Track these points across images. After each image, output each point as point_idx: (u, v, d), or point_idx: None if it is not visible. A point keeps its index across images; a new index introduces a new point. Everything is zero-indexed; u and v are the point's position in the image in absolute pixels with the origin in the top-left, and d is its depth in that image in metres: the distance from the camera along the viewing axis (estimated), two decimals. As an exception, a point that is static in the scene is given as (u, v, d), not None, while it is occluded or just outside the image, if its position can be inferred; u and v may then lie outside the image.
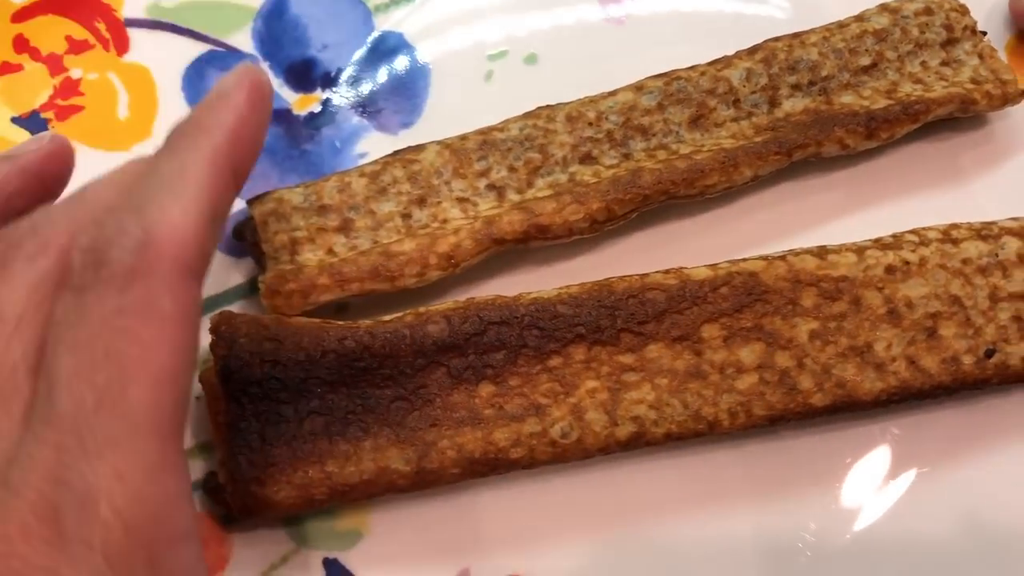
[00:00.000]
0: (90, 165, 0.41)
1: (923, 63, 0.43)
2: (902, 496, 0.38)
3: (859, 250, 0.39)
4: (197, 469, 0.37)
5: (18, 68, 0.42)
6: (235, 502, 0.35)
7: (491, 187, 0.40)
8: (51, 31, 0.43)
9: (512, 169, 0.41)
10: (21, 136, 0.41)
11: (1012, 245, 0.40)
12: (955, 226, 0.40)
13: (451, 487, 0.37)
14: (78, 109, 0.42)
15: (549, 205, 0.39)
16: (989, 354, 0.38)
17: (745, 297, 0.38)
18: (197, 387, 0.38)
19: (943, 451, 0.39)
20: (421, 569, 0.37)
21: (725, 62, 0.43)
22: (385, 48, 0.44)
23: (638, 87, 0.42)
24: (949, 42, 0.44)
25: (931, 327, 0.38)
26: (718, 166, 0.40)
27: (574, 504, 0.38)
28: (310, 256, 0.39)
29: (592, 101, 0.42)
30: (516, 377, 0.37)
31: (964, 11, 0.44)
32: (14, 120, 0.42)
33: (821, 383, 0.37)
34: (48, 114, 0.42)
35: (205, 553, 0.36)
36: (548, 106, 0.42)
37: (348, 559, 0.37)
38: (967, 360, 0.38)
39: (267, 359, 0.36)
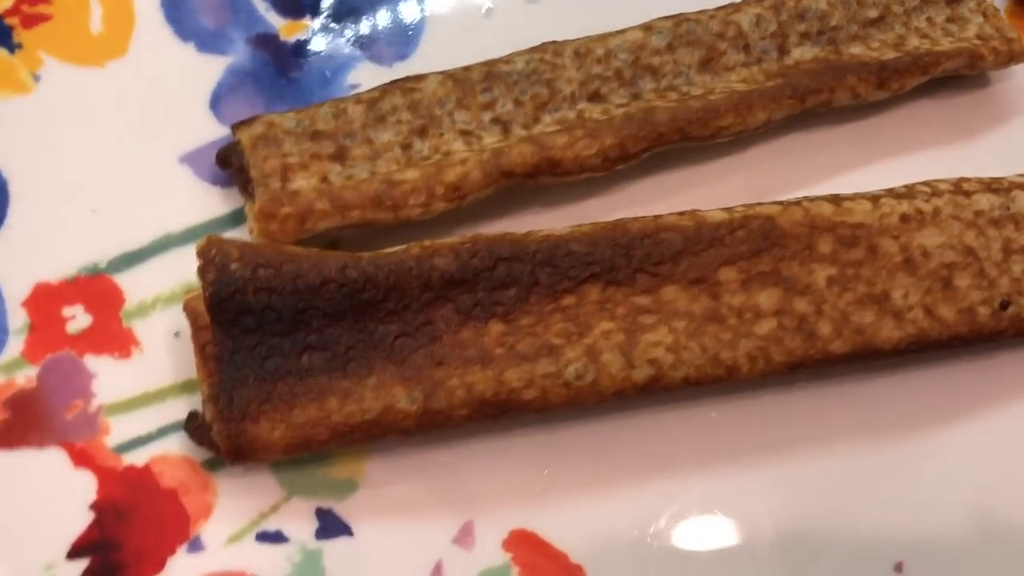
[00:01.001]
0: (58, 79, 0.38)
1: (928, 19, 0.43)
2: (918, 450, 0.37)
3: (873, 198, 0.38)
4: (178, 410, 0.34)
5: (-22, -30, 0.39)
6: (224, 442, 0.32)
7: (496, 121, 0.38)
8: (18, -67, 0.39)
9: (518, 103, 0.38)
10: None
11: (1022, 199, 0.39)
12: (965, 179, 0.39)
13: (453, 435, 0.35)
14: (46, 18, 0.38)
15: (561, 139, 0.37)
16: (1004, 306, 0.37)
17: (762, 241, 0.36)
18: (179, 321, 0.34)
19: (961, 408, 0.38)
20: (421, 521, 0.34)
21: (734, 7, 0.42)
22: (380, -24, 0.42)
23: (647, 27, 0.41)
24: (953, 0, 0.43)
25: (947, 277, 0.37)
26: (732, 107, 0.39)
27: (584, 456, 0.36)
28: (303, 183, 0.36)
29: (600, 39, 0.40)
30: (528, 316, 0.34)
31: (967, -32, 0.44)
32: (-27, 26, 0.38)
33: (840, 330, 0.36)
34: (12, 20, 0.38)
35: (187, 500, 0.33)
36: (554, 41, 0.40)
37: (343, 509, 0.34)
38: (983, 311, 0.37)
39: (262, 287, 0.33)
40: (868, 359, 0.37)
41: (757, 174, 0.41)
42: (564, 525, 0.35)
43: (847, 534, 0.35)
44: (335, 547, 0.33)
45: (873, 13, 0.42)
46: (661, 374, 0.35)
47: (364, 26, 0.41)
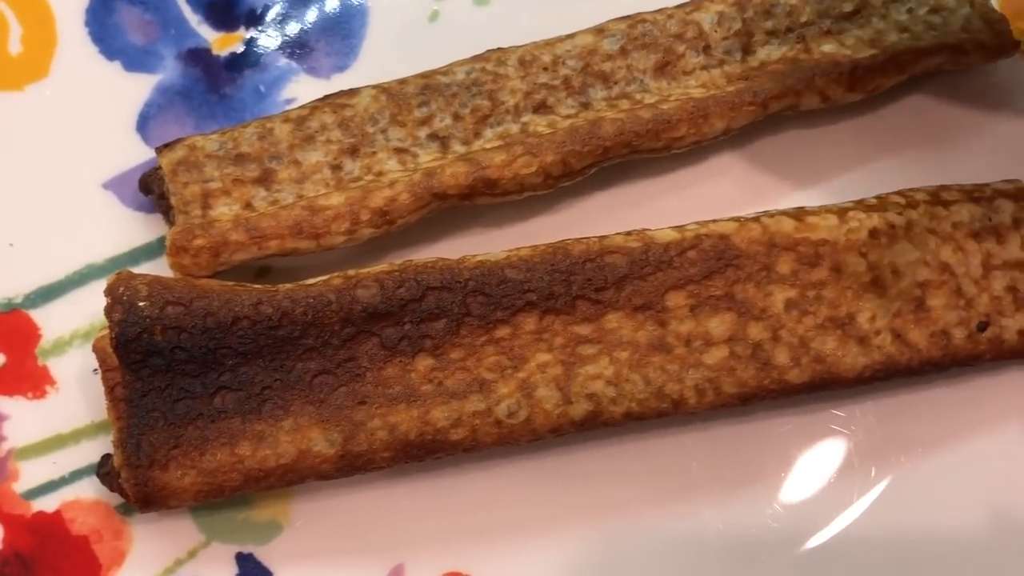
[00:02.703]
0: (-27, 103, 0.37)
1: (910, 10, 0.40)
2: (886, 485, 0.35)
3: (840, 212, 0.36)
4: (93, 451, 0.33)
5: None
6: (132, 489, 0.31)
7: (433, 137, 0.36)
8: (-70, -48, 0.38)
9: (457, 117, 0.36)
10: None
11: (1007, 208, 0.36)
12: (945, 187, 0.37)
13: (383, 473, 0.33)
14: (-39, 42, 0.37)
15: (498, 156, 0.35)
16: (982, 327, 0.35)
17: (715, 262, 0.34)
18: (93, 359, 0.33)
19: (930, 434, 0.35)
20: (349, 565, 0.33)
21: (695, 4, 0.39)
22: (319, -17, 0.40)
23: (599, 30, 0.38)
24: None
25: (919, 297, 0.35)
26: (687, 116, 0.37)
27: (521, 494, 0.34)
28: (224, 211, 0.34)
29: (548, 44, 0.38)
30: (458, 349, 0.33)
31: (953, -46, 0.41)
32: None
33: (798, 358, 0.34)
34: (-77, 44, 0.37)
35: (99, 548, 0.32)
36: (499, 49, 0.38)
37: (265, 554, 0.33)
38: (958, 334, 0.35)
39: (171, 325, 0.31)
40: (830, 388, 0.35)
41: (717, 186, 0.39)
42: (499, 567, 0.33)
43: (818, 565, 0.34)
44: (254, 595, 0.32)
45: (848, 6, 0.39)
46: (601, 409, 0.33)
47: (301, 37, 0.39)
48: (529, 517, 0.34)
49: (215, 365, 0.32)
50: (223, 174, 0.35)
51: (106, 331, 0.32)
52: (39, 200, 0.36)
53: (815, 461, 0.35)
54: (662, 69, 0.38)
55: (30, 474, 0.33)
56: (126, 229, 0.36)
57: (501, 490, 0.34)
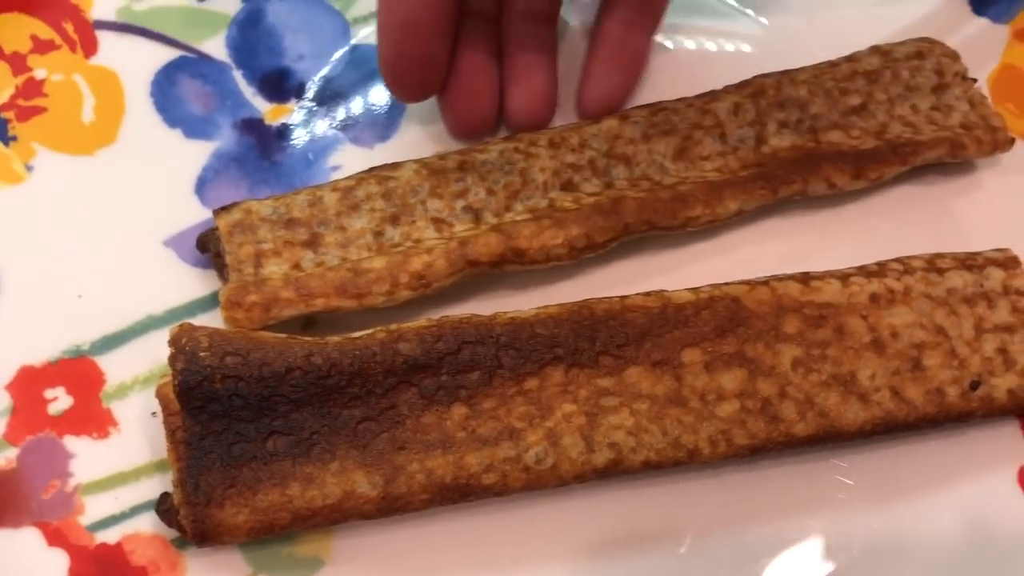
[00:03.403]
0: (50, 168, 0.40)
1: (913, 106, 0.42)
2: (882, 530, 0.37)
3: (843, 277, 0.38)
4: (152, 488, 0.35)
5: (-22, 66, 0.41)
6: (190, 526, 0.33)
7: (468, 209, 0.39)
8: (16, 29, 0.41)
9: (491, 192, 0.39)
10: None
11: (996, 276, 0.39)
12: (940, 256, 0.40)
13: (419, 514, 0.36)
14: (41, 110, 0.40)
15: (527, 228, 0.38)
16: (974, 386, 0.37)
17: (727, 322, 0.37)
18: (153, 402, 0.36)
19: (928, 482, 0.38)
20: (386, 599, 0.35)
21: (712, 95, 0.42)
22: (361, 60, 0.43)
23: (623, 116, 0.41)
24: (939, 87, 0.43)
25: (916, 357, 0.37)
26: (702, 197, 0.39)
27: (548, 534, 0.36)
28: (275, 269, 0.37)
29: (576, 128, 0.41)
30: (490, 399, 0.35)
31: (955, 57, 0.44)
32: (-28, 120, 0.40)
33: (804, 412, 0.36)
34: (8, 114, 0.40)
35: (156, 578, 0.34)
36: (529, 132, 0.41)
37: (308, 587, 0.35)
38: (952, 392, 0.37)
39: (229, 374, 0.34)
40: (832, 440, 0.37)
41: (729, 260, 0.41)
42: (526, 604, 0.35)
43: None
44: (299, 624, 0.34)
45: (855, 100, 0.42)
46: (621, 458, 0.35)
47: (346, 110, 0.42)
48: (555, 557, 0.36)
49: (269, 411, 0.34)
50: (275, 236, 0.38)
51: (168, 378, 0.35)
52: (106, 255, 0.39)
53: (817, 506, 0.37)
54: (681, 153, 0.41)
55: (94, 508, 0.35)
56: (184, 283, 0.39)
57: (528, 531, 0.36)
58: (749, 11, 0.46)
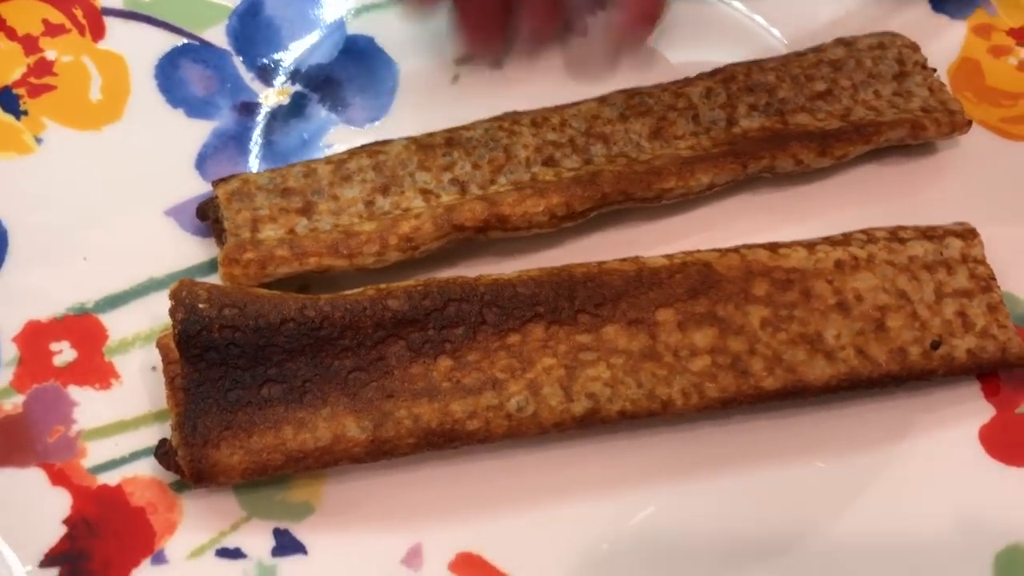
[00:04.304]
0: (59, 141, 0.42)
1: (876, 91, 0.45)
2: (849, 482, 0.38)
3: (809, 246, 0.41)
4: (151, 436, 0.37)
5: (-7, 46, 0.44)
6: (187, 466, 0.35)
7: (455, 181, 0.41)
8: (28, 13, 0.44)
9: (476, 166, 0.42)
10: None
11: (955, 245, 0.41)
12: (902, 227, 0.42)
13: (405, 463, 0.37)
14: (51, 88, 0.43)
15: (510, 197, 0.40)
16: (935, 346, 0.39)
17: (699, 284, 0.39)
18: (153, 357, 0.38)
19: (894, 439, 0.39)
20: (372, 543, 0.36)
21: (686, 81, 0.45)
22: (356, 50, 0.46)
23: (602, 99, 0.44)
24: (901, 74, 0.46)
25: (879, 319, 0.39)
26: (676, 170, 0.42)
27: (528, 482, 0.38)
28: (270, 234, 0.39)
29: (557, 109, 0.43)
30: (474, 352, 0.37)
31: (915, 48, 0.46)
32: (-13, 94, 0.43)
33: (772, 368, 0.38)
34: (20, 90, 0.43)
35: (154, 518, 0.36)
36: (514, 112, 0.43)
37: (299, 530, 0.36)
38: (914, 351, 0.39)
39: (227, 325, 0.36)
40: (800, 395, 0.38)
41: (701, 232, 0.43)
42: (508, 547, 0.37)
43: (786, 555, 0.37)
44: (290, 564, 0.36)
45: (821, 86, 0.45)
46: (598, 407, 0.37)
47: (338, 94, 0.45)
48: (534, 503, 0.37)
49: (264, 360, 0.36)
50: (271, 204, 0.40)
51: (168, 331, 0.37)
52: (111, 222, 0.41)
53: (788, 460, 0.39)
54: (656, 133, 0.43)
55: (96, 452, 0.37)
56: (183, 250, 0.41)
57: (511, 480, 0.38)
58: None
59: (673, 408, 0.38)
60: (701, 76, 0.45)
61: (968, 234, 0.42)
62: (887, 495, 0.38)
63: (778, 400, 0.38)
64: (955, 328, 0.40)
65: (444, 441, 0.36)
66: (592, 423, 0.37)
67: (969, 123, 0.45)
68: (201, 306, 0.36)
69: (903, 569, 0.37)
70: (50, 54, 0.43)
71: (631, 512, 0.37)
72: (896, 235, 0.41)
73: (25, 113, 0.42)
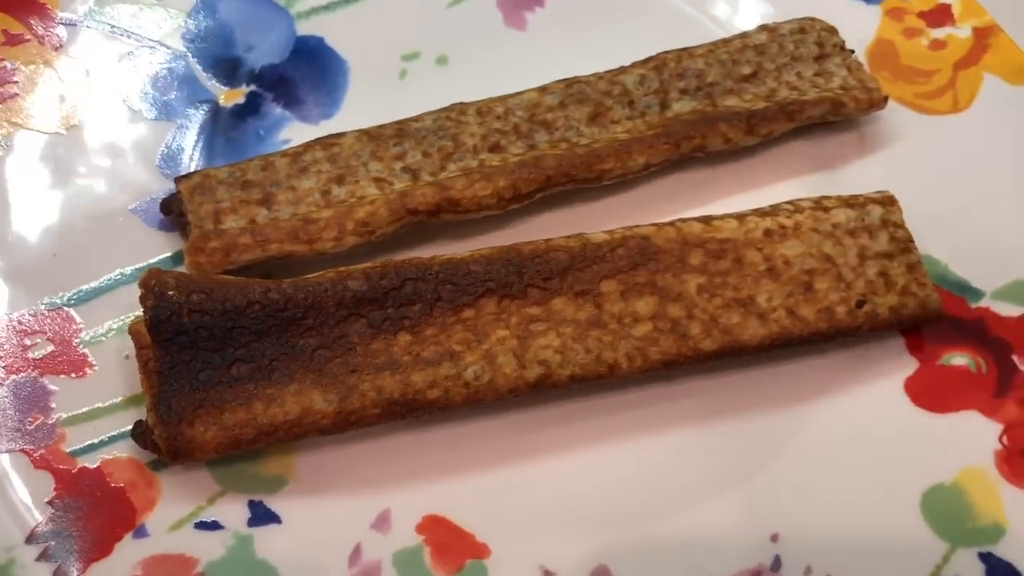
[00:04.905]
0: (25, 144, 0.44)
1: (798, 73, 0.48)
2: (785, 434, 0.41)
3: (740, 217, 0.43)
4: (127, 420, 0.39)
5: (-48, 57, 0.45)
6: (164, 443, 0.37)
7: (406, 169, 0.43)
8: (-12, 24, 0.46)
9: (426, 155, 0.44)
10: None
11: (876, 212, 0.44)
12: (826, 197, 0.44)
13: (371, 434, 0.40)
14: (13, 96, 0.45)
15: (460, 181, 0.43)
16: (860, 304, 0.42)
17: (639, 256, 0.42)
18: (125, 346, 0.40)
19: (826, 391, 0.42)
20: (343, 510, 0.39)
21: (620, 69, 0.47)
22: (306, 49, 0.48)
23: (542, 89, 0.46)
24: (821, 56, 0.49)
25: (807, 281, 0.42)
26: (613, 152, 0.44)
27: (488, 447, 0.40)
28: (232, 225, 0.41)
29: (500, 99, 0.46)
30: (431, 327, 0.39)
31: (833, 31, 0.49)
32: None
33: (709, 330, 0.41)
34: (-17, 97, 0.44)
35: (133, 496, 0.38)
36: (460, 103, 0.45)
37: (273, 501, 0.38)
38: (841, 310, 0.42)
39: (195, 309, 0.38)
40: (736, 355, 0.41)
41: (640, 210, 0.46)
42: (471, 508, 0.39)
43: (726, 508, 0.40)
44: (265, 533, 0.38)
45: (747, 70, 0.48)
46: (550, 373, 0.40)
47: (293, 91, 0.47)
48: (495, 466, 0.40)
49: (232, 342, 0.38)
50: (232, 196, 0.42)
51: (140, 318, 0.39)
52: (77, 220, 0.43)
53: (728, 415, 0.42)
54: (594, 119, 0.46)
55: (75, 437, 0.39)
56: (149, 245, 0.43)
57: (471, 446, 0.40)
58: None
59: (619, 371, 0.40)
60: (635, 64, 0.47)
61: (888, 201, 0.44)
62: (821, 444, 0.41)
63: (716, 360, 0.41)
64: (878, 287, 0.43)
65: (407, 410, 0.39)
66: (545, 388, 0.40)
67: (886, 99, 0.48)
68: (170, 293, 0.38)
69: (840, 511, 0.40)
70: (9, 64, 0.45)
71: (586, 470, 0.40)
72: (821, 204, 0.44)
73: (-11, 118, 0.44)
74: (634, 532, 0.39)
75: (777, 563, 0.39)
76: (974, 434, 0.41)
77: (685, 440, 0.41)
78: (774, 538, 0.39)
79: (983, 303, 0.43)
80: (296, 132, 0.46)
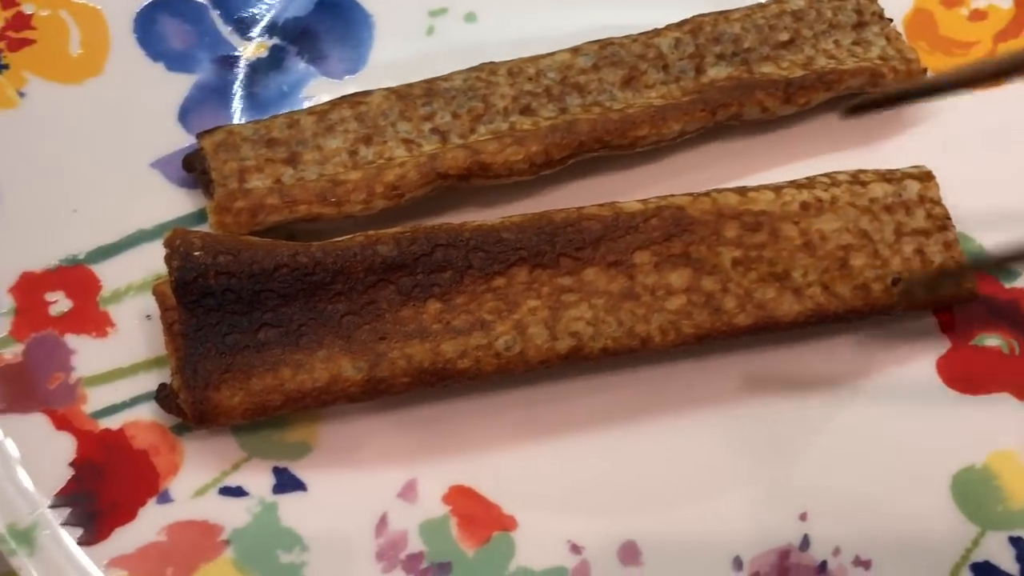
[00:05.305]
0: (41, 95, 0.43)
1: (836, 41, 0.47)
2: (823, 413, 0.41)
3: (776, 189, 0.42)
4: (149, 382, 0.38)
5: (-33, 2, 0.44)
6: (189, 408, 0.36)
7: (435, 131, 0.42)
8: (3, -31, 0.44)
9: (456, 116, 0.43)
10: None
11: (913, 187, 0.43)
12: (863, 171, 0.44)
13: (396, 403, 0.39)
14: (30, 42, 0.43)
15: (491, 145, 0.42)
16: (896, 282, 0.41)
17: (673, 227, 0.41)
18: (149, 306, 0.39)
19: (859, 370, 0.42)
20: (369, 478, 0.38)
21: (655, 32, 0.46)
22: (331, 3, 0.46)
23: (575, 49, 0.45)
24: (859, 24, 0.47)
25: (843, 257, 0.41)
26: (648, 119, 0.43)
27: (517, 418, 0.40)
28: (258, 184, 0.40)
29: (532, 59, 0.45)
30: (462, 295, 0.39)
31: (872, -1, 0.49)
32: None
33: (744, 305, 0.40)
34: (0, 44, 0.43)
35: (157, 460, 0.37)
36: (491, 62, 0.44)
37: (298, 468, 0.38)
38: (876, 287, 0.41)
39: (222, 271, 0.37)
40: (770, 331, 0.40)
41: (673, 179, 0.45)
42: (498, 480, 0.38)
43: (755, 483, 0.39)
44: (290, 500, 0.37)
45: (784, 36, 0.46)
46: (581, 345, 0.39)
47: (316, 47, 0.46)
48: (523, 439, 0.39)
49: (259, 305, 0.37)
50: (257, 154, 0.41)
51: (162, 279, 0.38)
52: (96, 174, 0.41)
53: (760, 393, 0.41)
54: (628, 83, 0.45)
55: (96, 398, 0.38)
56: (170, 201, 0.42)
57: (499, 417, 0.39)
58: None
59: (652, 344, 0.39)
60: (669, 27, 0.46)
61: (925, 176, 0.44)
62: (853, 422, 0.40)
63: (750, 335, 0.40)
64: (914, 265, 0.42)
65: (436, 379, 0.38)
66: (576, 360, 0.39)
67: (924, 71, 0.47)
68: (196, 253, 0.37)
69: (870, 491, 0.39)
70: (27, 8, 0.43)
71: (616, 445, 0.39)
72: (857, 178, 0.43)
73: (6, 67, 0.42)
74: (662, 508, 0.39)
75: (806, 542, 0.38)
76: (1006, 416, 0.40)
77: (716, 417, 0.40)
78: (803, 516, 0.39)
79: (1018, 284, 0.43)
80: (320, 88, 0.45)
